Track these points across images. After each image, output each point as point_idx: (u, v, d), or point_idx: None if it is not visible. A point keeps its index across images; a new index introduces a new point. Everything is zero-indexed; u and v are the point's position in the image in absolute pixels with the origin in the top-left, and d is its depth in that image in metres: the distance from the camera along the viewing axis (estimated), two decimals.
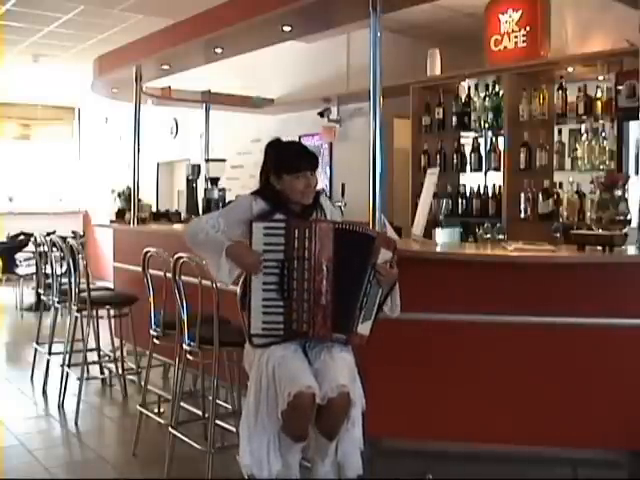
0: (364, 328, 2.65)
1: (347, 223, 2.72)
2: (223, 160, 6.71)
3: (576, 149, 4.78)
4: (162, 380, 4.98)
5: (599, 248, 3.05)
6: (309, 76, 7.32)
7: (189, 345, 3.26)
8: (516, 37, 5.20)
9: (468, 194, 5.55)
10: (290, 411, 2.47)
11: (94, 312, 4.53)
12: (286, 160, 2.76)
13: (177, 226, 5.66)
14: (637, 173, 4.37)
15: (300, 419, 2.52)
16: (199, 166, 6.59)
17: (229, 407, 3.59)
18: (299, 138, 7.52)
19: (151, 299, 3.63)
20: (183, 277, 3.27)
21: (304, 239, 2.59)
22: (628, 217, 3.07)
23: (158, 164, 10.03)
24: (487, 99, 5.32)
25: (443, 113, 5.67)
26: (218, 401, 3.43)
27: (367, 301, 2.63)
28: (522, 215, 5.05)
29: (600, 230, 3.08)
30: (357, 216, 3.63)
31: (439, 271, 3.21)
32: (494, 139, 5.37)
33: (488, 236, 3.88)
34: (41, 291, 5.36)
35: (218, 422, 3.32)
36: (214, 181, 6.33)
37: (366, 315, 2.64)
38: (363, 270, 2.62)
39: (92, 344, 4.80)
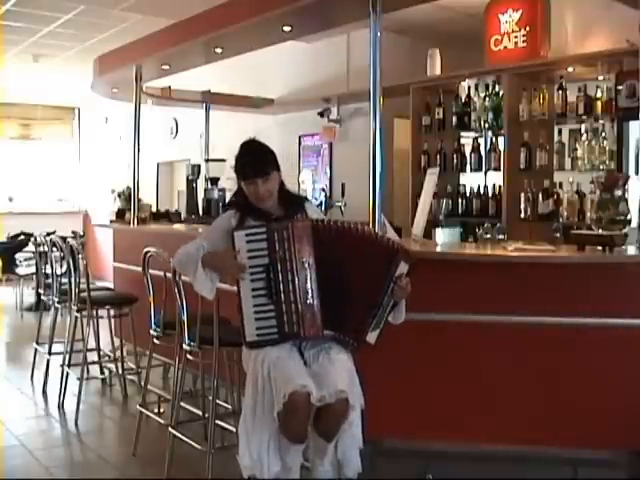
0: (372, 337, 2.64)
1: (335, 223, 2.69)
2: (223, 160, 6.70)
3: (576, 149, 4.78)
4: (162, 380, 4.98)
5: (599, 248, 3.05)
6: (309, 76, 7.32)
7: (189, 345, 3.26)
8: (516, 37, 5.20)
9: (468, 194, 5.55)
10: (285, 411, 2.47)
11: (94, 312, 4.53)
12: (236, 167, 2.79)
13: (177, 226, 5.67)
14: (637, 173, 4.37)
15: (296, 419, 2.52)
16: (199, 166, 6.59)
17: (229, 407, 3.60)
18: (299, 138, 7.54)
19: (151, 299, 3.63)
20: (183, 277, 3.27)
21: (284, 240, 2.59)
22: (628, 217, 3.07)
23: (158, 164, 10.02)
24: (487, 99, 5.32)
25: (443, 113, 5.67)
26: (218, 401, 3.43)
27: (380, 312, 2.63)
28: (522, 215, 5.04)
29: (600, 230, 3.08)
30: (357, 216, 3.64)
31: (439, 271, 3.20)
32: (494, 139, 5.37)
33: (488, 236, 3.88)
34: (41, 291, 5.36)
35: (218, 422, 3.32)
36: (214, 181, 6.34)
37: (376, 325, 2.64)
38: (380, 281, 2.60)
39: (92, 344, 4.80)
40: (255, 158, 2.76)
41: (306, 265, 2.59)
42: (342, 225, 2.68)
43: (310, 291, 2.60)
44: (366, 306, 2.62)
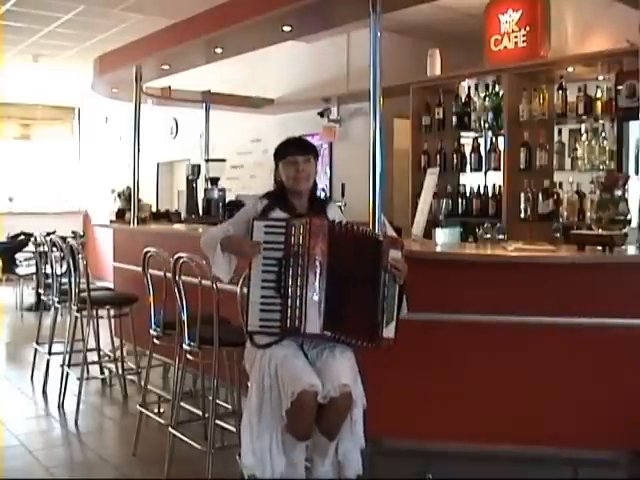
0: (389, 331, 2.65)
1: (342, 222, 2.73)
2: (223, 160, 6.71)
3: (576, 149, 4.78)
4: (162, 380, 4.98)
5: (599, 248, 3.05)
6: (309, 76, 7.32)
7: (189, 345, 3.26)
8: (516, 37, 5.20)
9: (468, 194, 5.55)
10: (294, 410, 2.48)
11: (94, 312, 4.53)
12: (278, 148, 2.91)
13: (177, 226, 5.67)
14: (637, 173, 4.37)
15: (304, 418, 2.53)
16: (199, 166, 6.59)
17: (229, 407, 3.60)
18: None
19: (151, 299, 3.63)
20: (183, 277, 3.27)
21: (299, 235, 2.61)
22: (628, 217, 3.07)
23: (158, 164, 10.03)
24: (487, 99, 5.32)
25: (443, 113, 5.67)
26: (218, 401, 3.43)
27: (387, 305, 2.64)
28: (522, 215, 5.04)
29: (600, 230, 3.08)
30: (357, 216, 3.64)
31: (439, 271, 3.21)
32: (494, 139, 5.37)
33: (488, 236, 3.88)
34: (41, 291, 5.36)
35: (218, 422, 3.32)
36: (214, 181, 6.34)
37: (388, 318, 2.65)
38: (375, 275, 2.62)
39: (92, 344, 4.80)
40: (298, 141, 2.94)
41: (317, 263, 2.60)
42: (351, 227, 2.70)
43: (317, 289, 2.60)
44: (371, 305, 2.63)
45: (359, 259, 2.66)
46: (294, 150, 2.84)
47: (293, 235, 2.61)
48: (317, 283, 2.60)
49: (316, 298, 2.60)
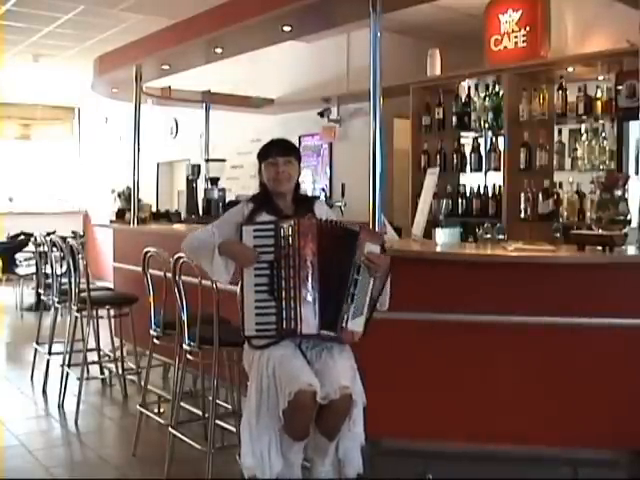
0: (355, 324, 2.63)
1: (331, 220, 2.73)
2: (223, 160, 6.71)
3: (576, 149, 4.79)
4: (162, 380, 4.98)
5: (599, 248, 3.05)
6: (309, 76, 7.32)
7: (189, 345, 3.26)
8: (516, 37, 5.20)
9: (468, 194, 5.55)
10: (291, 410, 2.48)
11: (94, 312, 4.53)
12: (261, 149, 2.91)
13: (177, 226, 5.66)
14: (637, 173, 4.37)
15: (301, 418, 2.53)
16: (199, 166, 6.59)
17: (229, 407, 3.60)
18: (299, 138, 7.53)
19: (151, 299, 3.63)
20: (183, 277, 3.27)
21: (289, 237, 2.62)
22: (628, 217, 3.07)
23: (158, 164, 10.03)
24: (487, 99, 5.33)
25: (443, 113, 5.67)
26: (218, 401, 3.43)
27: (355, 297, 2.63)
28: (522, 215, 5.05)
29: (600, 230, 3.08)
30: (357, 216, 3.64)
31: (439, 271, 3.21)
32: (494, 139, 5.37)
33: (488, 236, 3.88)
34: (41, 291, 5.36)
35: (218, 422, 3.32)
36: (214, 181, 6.34)
37: (356, 311, 2.63)
38: (347, 266, 2.62)
39: (92, 344, 4.80)
40: (280, 142, 2.92)
41: (308, 263, 2.60)
42: (337, 224, 2.71)
43: (310, 288, 2.60)
44: (339, 296, 2.62)
45: (342, 253, 2.65)
46: (275, 151, 2.83)
47: (282, 237, 2.62)
48: (310, 283, 2.61)
49: (310, 298, 2.61)
